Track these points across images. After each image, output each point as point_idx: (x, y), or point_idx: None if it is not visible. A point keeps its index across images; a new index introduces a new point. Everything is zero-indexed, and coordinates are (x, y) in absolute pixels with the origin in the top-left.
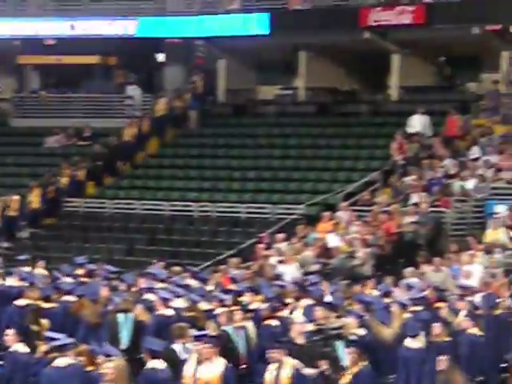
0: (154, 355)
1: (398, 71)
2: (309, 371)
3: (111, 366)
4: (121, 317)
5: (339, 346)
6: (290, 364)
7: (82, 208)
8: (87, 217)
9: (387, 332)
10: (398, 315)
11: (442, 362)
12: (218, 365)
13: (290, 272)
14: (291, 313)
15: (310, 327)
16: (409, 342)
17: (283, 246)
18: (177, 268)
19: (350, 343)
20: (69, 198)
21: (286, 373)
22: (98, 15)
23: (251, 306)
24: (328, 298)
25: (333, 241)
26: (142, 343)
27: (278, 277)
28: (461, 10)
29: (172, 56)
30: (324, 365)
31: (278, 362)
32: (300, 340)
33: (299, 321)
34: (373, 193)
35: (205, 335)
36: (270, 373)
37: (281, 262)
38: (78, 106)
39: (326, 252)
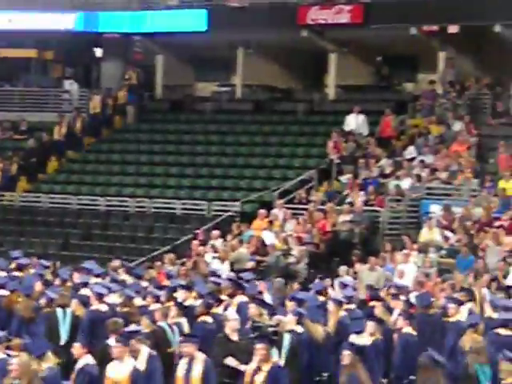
0: (88, 351)
1: (335, 70)
2: (244, 367)
3: (16, 361)
4: (59, 312)
5: (286, 338)
6: (201, 359)
7: (17, 202)
8: (22, 211)
9: (319, 330)
10: (334, 313)
11: (346, 357)
12: (128, 365)
13: (226, 269)
14: (225, 310)
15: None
16: (354, 339)
17: (218, 242)
18: (116, 263)
19: (260, 339)
20: (2, 192)
21: (198, 368)
22: (35, 9)
23: (185, 303)
24: (264, 296)
25: (268, 238)
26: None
27: (213, 273)
28: (398, 10)
29: (110, 51)
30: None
31: (189, 357)
32: (234, 337)
33: (233, 317)
34: (308, 191)
35: (137, 331)
36: (181, 367)
37: (216, 258)
38: (14, 99)
39: (260, 249)
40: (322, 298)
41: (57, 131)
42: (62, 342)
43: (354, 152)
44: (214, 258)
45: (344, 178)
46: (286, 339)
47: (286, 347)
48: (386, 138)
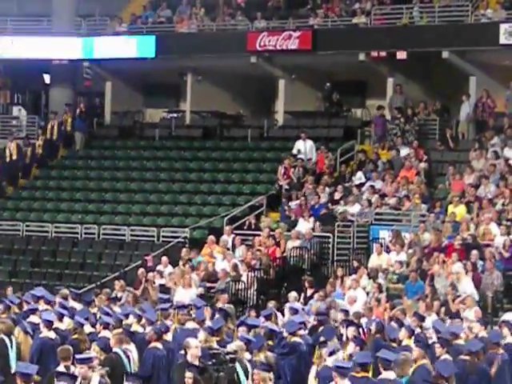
0: (28, 380)
1: (284, 96)
2: None
3: None
4: (6, 340)
5: (239, 369)
6: (96, 380)
7: None
8: None
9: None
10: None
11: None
12: None
13: (189, 295)
14: (173, 337)
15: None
16: (329, 361)
17: (170, 269)
18: (64, 290)
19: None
20: None
21: None
22: None
23: (133, 329)
24: (208, 323)
25: (217, 265)
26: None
27: (162, 300)
28: (346, 36)
29: (58, 77)
30: None
31: (86, 379)
32: (196, 363)
33: (194, 344)
34: (258, 217)
35: (89, 358)
36: None
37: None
38: None
39: (210, 275)
40: (269, 324)
41: (7, 156)
42: (13, 370)
43: (302, 178)
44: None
45: (293, 204)
46: (249, 365)
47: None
48: (320, 174)
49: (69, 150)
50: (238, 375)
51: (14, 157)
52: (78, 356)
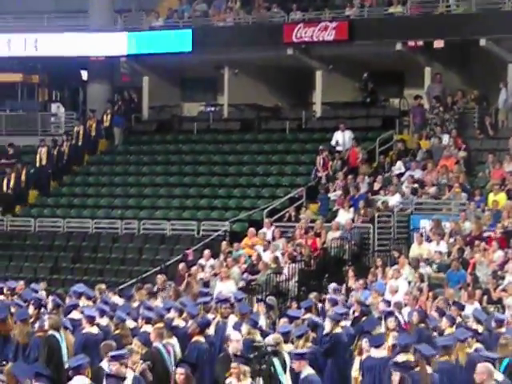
0: (78, 372)
1: (321, 87)
2: None
3: None
4: (57, 335)
5: (276, 362)
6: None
7: (6, 226)
8: (12, 235)
9: None
10: (332, 329)
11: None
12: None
13: (227, 289)
14: (216, 331)
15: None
16: (373, 352)
17: (212, 262)
18: (101, 285)
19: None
20: None
21: None
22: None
23: (175, 323)
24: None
25: (258, 257)
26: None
27: (203, 294)
28: (383, 26)
29: (96, 73)
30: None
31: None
32: None
33: (236, 338)
34: (297, 209)
35: (121, 355)
36: None
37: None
38: (1, 124)
39: (251, 268)
40: (309, 315)
41: (43, 155)
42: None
43: (342, 169)
44: (213, 276)
45: (333, 195)
46: (287, 358)
47: (288, 366)
48: (353, 168)
49: (108, 145)
50: (275, 368)
51: (44, 161)
52: (110, 353)
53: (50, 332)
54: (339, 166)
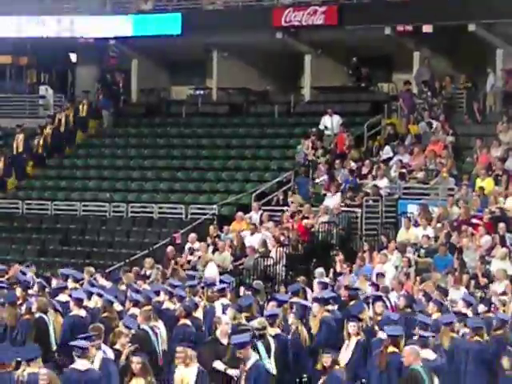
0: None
1: (310, 72)
2: (232, 372)
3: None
4: (45, 318)
5: (260, 346)
6: (196, 364)
7: None
8: None
9: (304, 332)
10: (319, 313)
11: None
12: None
13: (210, 272)
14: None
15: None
16: (381, 334)
17: (199, 245)
18: (90, 268)
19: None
20: None
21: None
22: (10, 14)
23: (165, 306)
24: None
25: (246, 241)
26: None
27: (190, 277)
28: (372, 11)
29: (85, 56)
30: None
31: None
32: (224, 340)
33: (225, 321)
34: (286, 193)
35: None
36: (178, 372)
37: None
38: None
39: (239, 252)
40: (296, 299)
41: (20, 143)
42: (54, 346)
43: (329, 153)
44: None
45: (320, 180)
46: (272, 342)
47: (272, 349)
48: (341, 153)
49: (96, 127)
50: (259, 352)
51: (20, 148)
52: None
53: (38, 314)
54: (322, 153)
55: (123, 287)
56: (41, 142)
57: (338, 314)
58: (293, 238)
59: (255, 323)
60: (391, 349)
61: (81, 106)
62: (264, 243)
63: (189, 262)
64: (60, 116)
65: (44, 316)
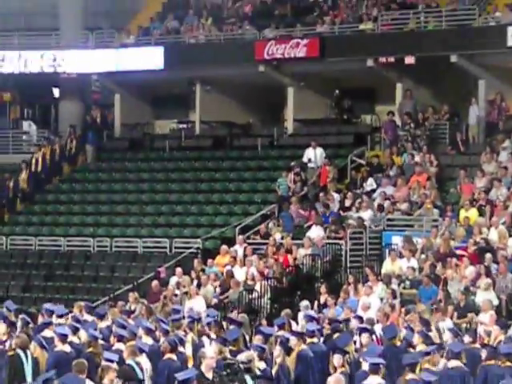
0: None
1: (293, 104)
2: None
3: None
4: (22, 354)
5: (248, 380)
6: None
7: None
8: None
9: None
10: (297, 346)
11: None
12: None
13: (197, 306)
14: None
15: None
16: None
17: (185, 279)
18: (79, 303)
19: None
20: None
21: None
22: None
23: (143, 341)
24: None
25: (230, 274)
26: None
27: (177, 311)
28: (354, 43)
29: (67, 91)
30: None
31: None
32: (209, 375)
33: (210, 355)
34: (269, 226)
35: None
36: None
37: (185, 294)
38: None
39: (223, 285)
40: (282, 333)
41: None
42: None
43: (314, 185)
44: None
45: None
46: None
47: None
48: (324, 186)
49: (75, 166)
50: None
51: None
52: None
53: (17, 351)
54: (299, 187)
55: (108, 322)
56: (25, 177)
57: (322, 346)
58: (276, 271)
59: (243, 357)
60: None
61: (68, 141)
62: (248, 276)
63: (175, 295)
64: (45, 151)
65: (21, 353)
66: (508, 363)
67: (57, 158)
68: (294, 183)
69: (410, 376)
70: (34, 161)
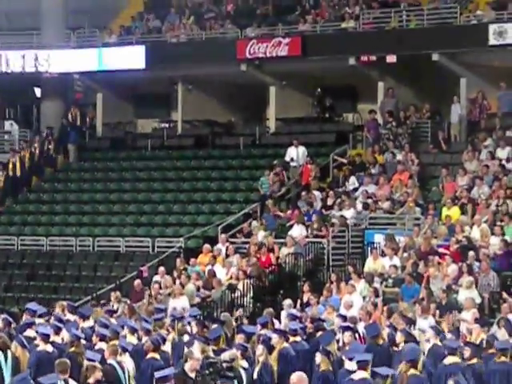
0: None
1: (275, 103)
2: None
3: None
4: (0, 354)
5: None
6: None
7: None
8: None
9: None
10: (278, 344)
11: None
12: None
13: (180, 305)
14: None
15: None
16: (348, 365)
17: (166, 279)
18: (62, 302)
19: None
20: None
21: None
22: None
23: (128, 340)
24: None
25: (212, 273)
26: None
27: (160, 310)
28: (336, 42)
29: (49, 91)
30: None
31: None
32: (192, 374)
33: (196, 357)
34: (252, 224)
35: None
36: None
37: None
38: None
39: (206, 284)
40: (265, 331)
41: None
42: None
43: (295, 183)
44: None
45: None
46: (243, 374)
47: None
48: (306, 185)
49: (61, 162)
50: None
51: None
52: None
53: None
54: (277, 187)
55: (90, 322)
56: (2, 177)
57: (304, 344)
58: (255, 270)
59: (226, 356)
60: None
61: (46, 142)
62: (231, 275)
63: (160, 294)
64: (25, 152)
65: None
66: (503, 358)
67: (35, 159)
68: (272, 184)
69: (411, 372)
70: (10, 165)
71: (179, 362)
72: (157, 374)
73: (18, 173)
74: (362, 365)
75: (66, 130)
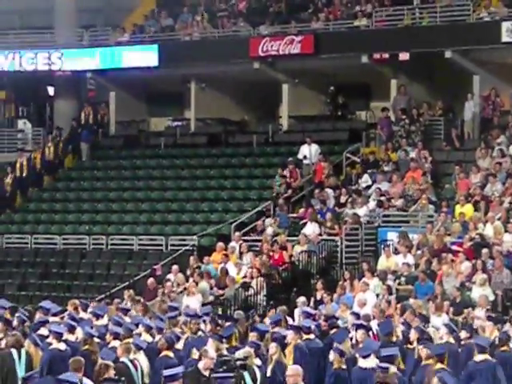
0: None
1: (288, 101)
2: None
3: None
4: (14, 353)
5: (246, 376)
6: None
7: None
8: None
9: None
10: (293, 340)
11: None
12: None
13: (194, 303)
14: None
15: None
16: (362, 363)
17: (179, 277)
18: (74, 301)
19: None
20: None
21: None
22: None
23: (142, 338)
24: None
25: (225, 271)
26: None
27: (173, 309)
28: (349, 39)
29: (62, 89)
30: None
31: None
32: (206, 373)
33: (211, 356)
34: (265, 222)
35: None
36: None
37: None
38: None
39: (219, 282)
40: (278, 329)
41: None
42: (19, 382)
43: (309, 181)
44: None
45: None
46: (257, 372)
47: (258, 380)
48: (319, 183)
49: (75, 161)
50: (245, 382)
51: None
52: None
53: (9, 350)
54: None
55: (104, 320)
56: (9, 181)
57: (318, 342)
58: (266, 268)
59: (241, 353)
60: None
61: (59, 141)
62: (244, 273)
63: (173, 292)
64: (36, 152)
65: (14, 352)
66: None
67: (49, 158)
68: (289, 180)
69: (438, 366)
70: (18, 165)
71: (189, 360)
72: (165, 372)
73: (25, 173)
74: (388, 360)
75: (76, 131)
